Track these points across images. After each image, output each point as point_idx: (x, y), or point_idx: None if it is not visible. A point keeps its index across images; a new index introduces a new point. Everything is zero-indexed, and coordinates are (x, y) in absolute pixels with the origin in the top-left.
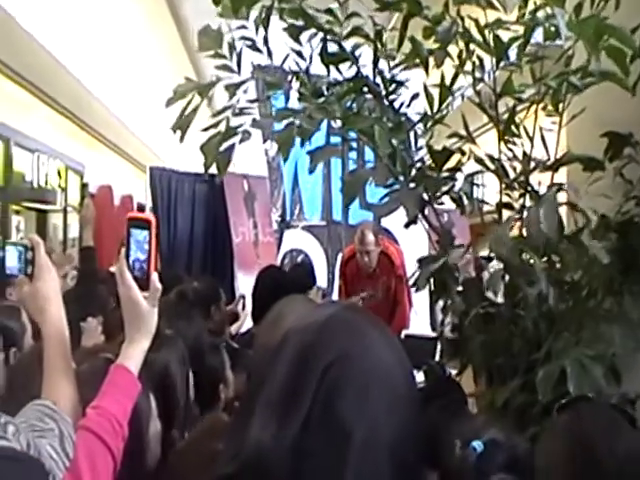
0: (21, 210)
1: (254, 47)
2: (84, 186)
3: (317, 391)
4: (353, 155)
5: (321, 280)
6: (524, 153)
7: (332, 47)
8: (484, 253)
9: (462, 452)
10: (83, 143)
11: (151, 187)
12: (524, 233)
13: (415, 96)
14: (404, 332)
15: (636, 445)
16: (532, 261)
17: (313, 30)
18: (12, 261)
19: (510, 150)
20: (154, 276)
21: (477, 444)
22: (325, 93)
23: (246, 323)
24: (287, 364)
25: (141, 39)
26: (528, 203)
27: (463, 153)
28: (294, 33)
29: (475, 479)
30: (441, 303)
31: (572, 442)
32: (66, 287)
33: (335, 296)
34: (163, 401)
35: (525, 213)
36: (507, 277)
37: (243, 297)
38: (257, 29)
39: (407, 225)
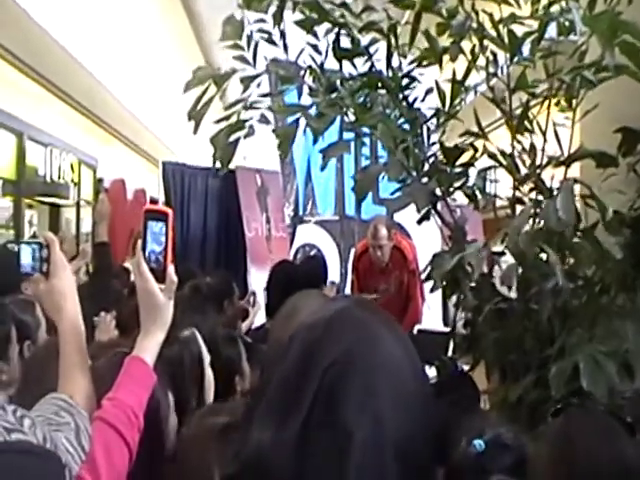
0: (34, 204)
1: (270, 40)
2: (99, 181)
3: (319, 389)
4: (366, 150)
5: (333, 275)
6: (532, 145)
7: (345, 42)
8: (497, 248)
9: (464, 449)
10: (96, 137)
11: (164, 181)
12: (538, 227)
13: (429, 91)
14: (417, 327)
15: (621, 456)
16: (545, 256)
17: (328, 24)
18: (26, 259)
19: (519, 143)
20: (170, 269)
21: (479, 442)
22: (339, 88)
23: (259, 318)
24: (291, 362)
25: (154, 34)
26: (539, 198)
27: (476, 150)
28: (307, 26)
29: (474, 478)
30: (454, 298)
31: (556, 449)
32: (79, 281)
33: (348, 291)
34: (174, 399)
35: (539, 208)
36: (520, 271)
37: (254, 294)
38: (275, 22)
39: (420, 221)
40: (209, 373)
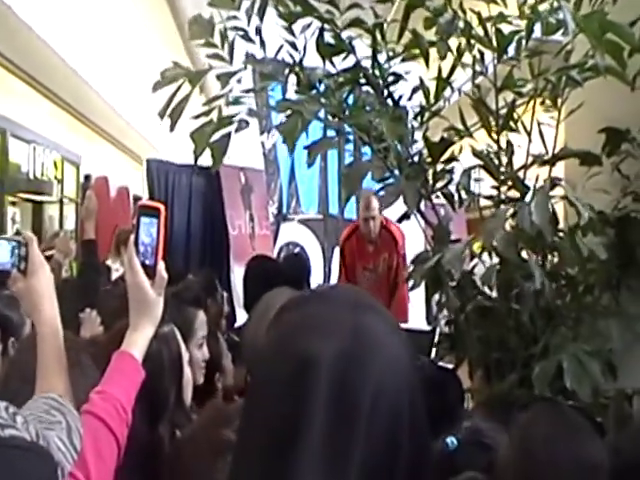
0: (17, 201)
1: (246, 37)
2: (86, 178)
3: (368, 435)
4: (350, 147)
5: (317, 273)
6: (508, 143)
7: (329, 38)
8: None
9: (439, 447)
10: (80, 135)
11: (148, 179)
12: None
13: (416, 89)
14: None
15: (579, 451)
16: (527, 256)
17: (307, 20)
18: (4, 256)
19: (496, 142)
20: (161, 265)
21: (451, 440)
22: (319, 86)
23: (241, 316)
24: (323, 415)
25: (138, 31)
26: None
27: (460, 147)
28: (290, 20)
29: (446, 475)
30: (437, 297)
31: (517, 442)
32: (58, 280)
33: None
34: (149, 397)
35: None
36: (500, 271)
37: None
38: (249, 19)
39: (400, 219)
40: (187, 371)
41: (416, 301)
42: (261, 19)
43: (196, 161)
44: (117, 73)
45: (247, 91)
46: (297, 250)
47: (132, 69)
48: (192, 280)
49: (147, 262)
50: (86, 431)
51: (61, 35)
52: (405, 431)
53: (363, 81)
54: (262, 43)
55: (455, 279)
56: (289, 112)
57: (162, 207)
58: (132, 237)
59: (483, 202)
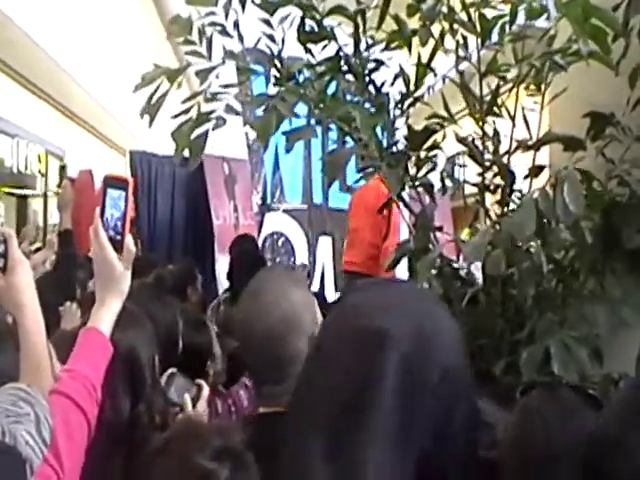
0: (1, 196)
1: (224, 32)
2: (62, 168)
3: (432, 410)
4: (333, 136)
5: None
6: (495, 131)
7: (309, 25)
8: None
9: None
10: (63, 128)
11: (131, 170)
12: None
13: (398, 75)
14: None
15: (578, 433)
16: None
17: (285, 12)
18: None
19: (481, 129)
20: (128, 238)
21: None
22: (299, 76)
23: None
24: (393, 391)
25: (122, 24)
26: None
27: (444, 135)
28: (270, 9)
29: None
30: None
31: (515, 425)
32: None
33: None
34: (130, 379)
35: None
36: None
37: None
38: (227, 14)
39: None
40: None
41: None
42: (243, 8)
43: (179, 158)
44: (101, 66)
45: (227, 86)
46: (282, 240)
47: (116, 62)
48: (170, 270)
49: (114, 236)
50: (56, 411)
51: (45, 29)
52: (461, 412)
53: (345, 69)
54: (240, 37)
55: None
56: (265, 106)
57: (130, 179)
58: (98, 210)
59: (468, 190)
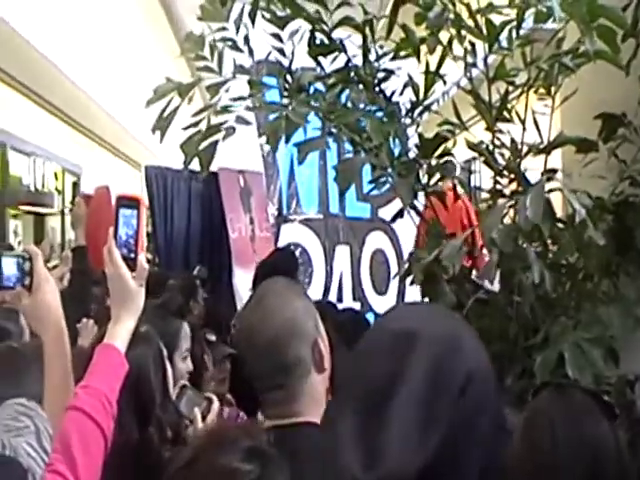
0: (18, 214)
1: (235, 47)
2: (75, 185)
3: (456, 410)
4: (349, 146)
5: (319, 273)
6: (512, 139)
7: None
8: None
9: None
10: (79, 145)
11: (147, 186)
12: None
13: (407, 84)
14: None
15: (583, 435)
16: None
17: (295, 26)
18: (9, 271)
19: (498, 139)
20: (142, 256)
21: None
22: (309, 88)
23: None
24: (420, 379)
25: (135, 39)
26: (520, 189)
27: (454, 142)
28: (280, 24)
29: None
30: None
31: (524, 427)
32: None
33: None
34: (137, 398)
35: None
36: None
37: None
38: (237, 29)
39: (394, 218)
40: (169, 366)
41: (412, 298)
42: (253, 22)
43: (186, 168)
44: (115, 82)
45: (238, 99)
46: (298, 251)
47: (130, 78)
48: (174, 286)
49: (128, 254)
50: (73, 427)
51: (60, 48)
52: (486, 415)
53: (355, 79)
54: (250, 51)
55: (450, 274)
56: (276, 115)
57: (141, 198)
58: (111, 229)
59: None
